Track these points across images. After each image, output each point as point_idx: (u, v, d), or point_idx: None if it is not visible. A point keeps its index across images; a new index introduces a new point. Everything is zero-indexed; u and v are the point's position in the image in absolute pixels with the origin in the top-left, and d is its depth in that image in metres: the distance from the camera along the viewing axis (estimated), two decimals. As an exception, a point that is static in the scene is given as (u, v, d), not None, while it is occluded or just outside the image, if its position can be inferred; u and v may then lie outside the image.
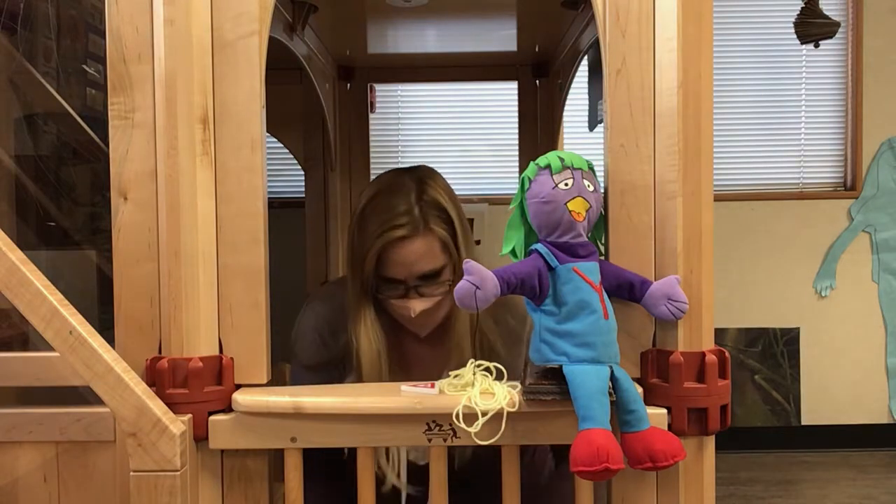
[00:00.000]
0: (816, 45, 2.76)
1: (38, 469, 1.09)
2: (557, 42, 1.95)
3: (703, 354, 1.04)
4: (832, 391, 3.52)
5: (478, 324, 1.35)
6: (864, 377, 3.52)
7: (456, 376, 1.08)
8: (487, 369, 1.09)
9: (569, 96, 2.04)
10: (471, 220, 2.91)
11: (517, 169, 2.32)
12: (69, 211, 1.87)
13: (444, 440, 1.04)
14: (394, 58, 2.20)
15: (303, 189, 2.23)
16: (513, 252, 1.07)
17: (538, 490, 1.35)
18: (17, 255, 0.97)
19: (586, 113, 2.35)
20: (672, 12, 1.05)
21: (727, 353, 1.07)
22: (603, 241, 1.11)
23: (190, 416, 1.02)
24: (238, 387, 1.07)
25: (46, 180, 1.81)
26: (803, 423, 3.52)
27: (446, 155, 3.46)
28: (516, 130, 2.28)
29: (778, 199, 3.51)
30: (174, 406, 1.01)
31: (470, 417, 1.01)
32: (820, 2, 2.73)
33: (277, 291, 1.17)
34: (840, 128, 3.55)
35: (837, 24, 2.72)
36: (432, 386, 1.06)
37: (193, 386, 1.03)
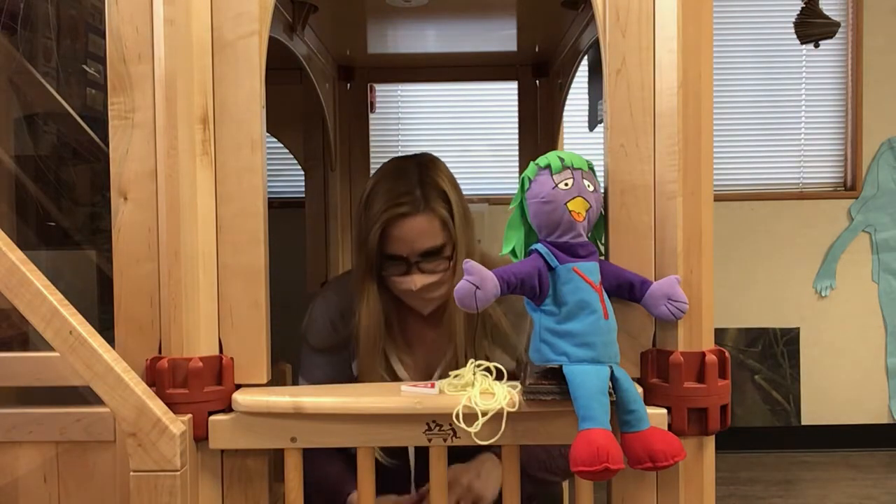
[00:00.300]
0: (816, 45, 2.76)
1: (38, 469, 1.09)
2: (557, 42, 1.95)
3: (703, 354, 1.04)
4: (832, 391, 3.52)
5: None
6: (864, 377, 3.52)
7: (456, 376, 1.08)
8: (487, 369, 1.09)
9: (569, 96, 2.04)
10: (471, 220, 2.93)
11: (517, 169, 2.32)
12: (69, 211, 1.87)
13: (444, 440, 1.04)
14: (394, 58, 2.20)
15: (303, 189, 2.23)
16: (513, 252, 1.07)
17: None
18: (17, 255, 0.97)
19: (586, 113, 2.35)
20: (672, 12, 1.05)
21: (727, 353, 1.07)
22: (603, 241, 1.11)
23: (190, 416, 1.02)
24: (238, 387, 1.07)
25: (46, 180, 1.81)
26: (803, 423, 3.52)
27: (446, 155, 3.41)
28: (516, 130, 2.28)
29: (778, 199, 3.51)
30: (174, 406, 1.01)
31: (470, 417, 1.01)
32: (820, 2, 2.73)
33: (277, 291, 1.18)
34: (840, 128, 3.55)
35: (837, 24, 2.72)
36: (432, 386, 1.06)
37: (193, 386, 1.03)
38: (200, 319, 1.05)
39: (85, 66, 1.93)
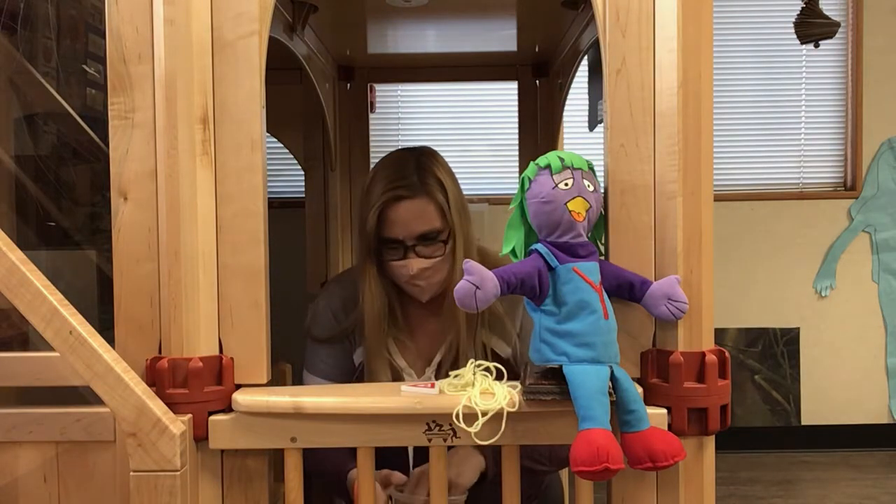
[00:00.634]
0: (816, 45, 2.76)
1: (38, 469, 1.09)
2: (557, 42, 1.95)
3: (703, 354, 1.04)
4: (832, 391, 3.52)
5: None
6: (864, 377, 3.52)
7: (456, 376, 1.08)
8: (487, 369, 1.09)
9: (569, 96, 2.04)
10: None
11: (517, 169, 2.32)
12: (69, 211, 1.86)
13: (444, 440, 1.04)
14: (394, 58, 2.20)
15: (303, 189, 2.23)
16: (513, 252, 1.07)
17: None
18: (17, 255, 0.97)
19: (586, 113, 2.35)
20: (672, 12, 1.05)
21: (727, 353, 1.07)
22: (603, 241, 1.11)
23: (190, 416, 1.02)
24: (238, 387, 1.07)
25: (46, 180, 1.81)
26: (803, 423, 3.52)
27: (446, 155, 3.42)
28: (516, 130, 2.28)
29: (778, 199, 3.51)
30: (174, 406, 1.01)
31: (470, 417, 1.01)
32: (820, 2, 2.73)
33: (277, 291, 1.18)
34: (840, 128, 3.55)
35: (837, 24, 2.72)
36: (432, 386, 1.06)
37: (193, 386, 1.03)
38: (200, 319, 1.05)
39: (85, 66, 1.93)
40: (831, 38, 2.74)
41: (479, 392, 1.03)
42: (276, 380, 1.22)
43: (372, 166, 2.34)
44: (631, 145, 1.07)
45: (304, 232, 2.23)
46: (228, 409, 1.06)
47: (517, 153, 2.29)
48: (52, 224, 1.82)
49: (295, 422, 1.05)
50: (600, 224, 1.10)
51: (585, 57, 1.81)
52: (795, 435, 3.51)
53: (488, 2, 1.65)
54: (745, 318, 3.51)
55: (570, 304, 1.00)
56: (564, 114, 2.13)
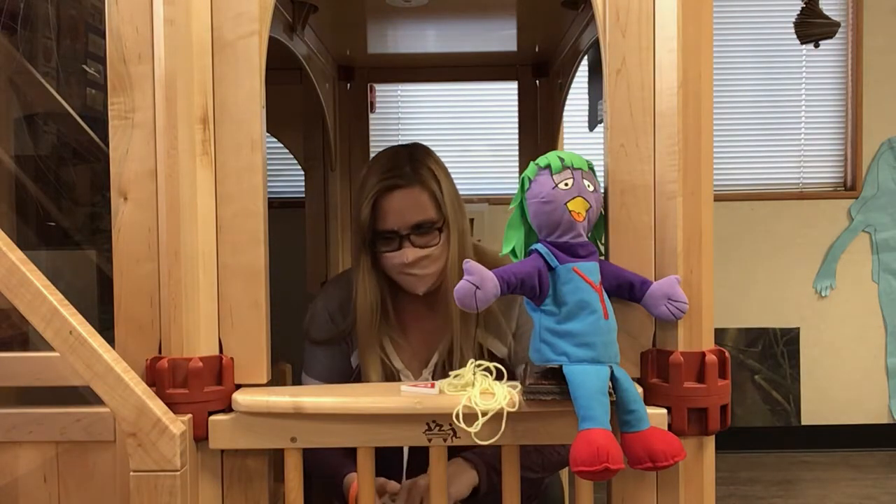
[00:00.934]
0: (816, 45, 2.76)
1: (38, 469, 1.09)
2: (557, 42, 1.95)
3: (703, 354, 1.04)
4: (832, 391, 3.52)
5: None
6: (864, 377, 3.52)
7: (456, 376, 1.08)
8: (487, 369, 1.09)
9: (569, 96, 2.04)
10: (471, 220, 2.92)
11: (517, 169, 2.32)
12: (69, 211, 1.86)
13: (444, 440, 1.04)
14: (394, 58, 2.20)
15: (303, 189, 2.23)
16: (513, 252, 1.07)
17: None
18: (17, 255, 0.97)
19: (586, 113, 2.35)
20: (672, 12, 1.05)
21: (727, 353, 1.07)
22: (603, 241, 1.11)
23: (190, 416, 1.02)
24: (238, 387, 1.07)
25: (46, 180, 1.81)
26: (803, 423, 3.52)
27: (446, 155, 3.41)
28: (516, 130, 2.28)
29: (778, 199, 3.51)
30: (174, 406, 1.01)
31: (470, 417, 1.01)
32: (820, 2, 2.73)
33: (277, 291, 1.18)
34: (840, 128, 3.55)
35: (837, 24, 2.72)
36: (432, 386, 1.06)
37: (193, 386, 1.03)
38: (200, 319, 1.05)
39: (85, 66, 1.93)
40: (831, 38, 2.74)
41: (479, 392, 1.03)
42: (276, 380, 1.22)
43: (371, 166, 2.35)
44: (631, 145, 1.07)
45: (304, 232, 2.23)
46: (228, 409, 1.06)
47: (517, 153, 2.29)
48: (52, 224, 1.82)
49: (295, 422, 1.05)
50: (600, 224, 1.10)
51: (585, 57, 1.81)
52: (795, 435, 3.51)
53: (488, 2, 1.65)
54: (745, 318, 3.51)
55: (570, 304, 1.00)
56: (564, 114, 2.13)
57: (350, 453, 1.30)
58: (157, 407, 0.98)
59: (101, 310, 1.49)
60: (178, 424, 0.99)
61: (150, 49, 1.05)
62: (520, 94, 2.26)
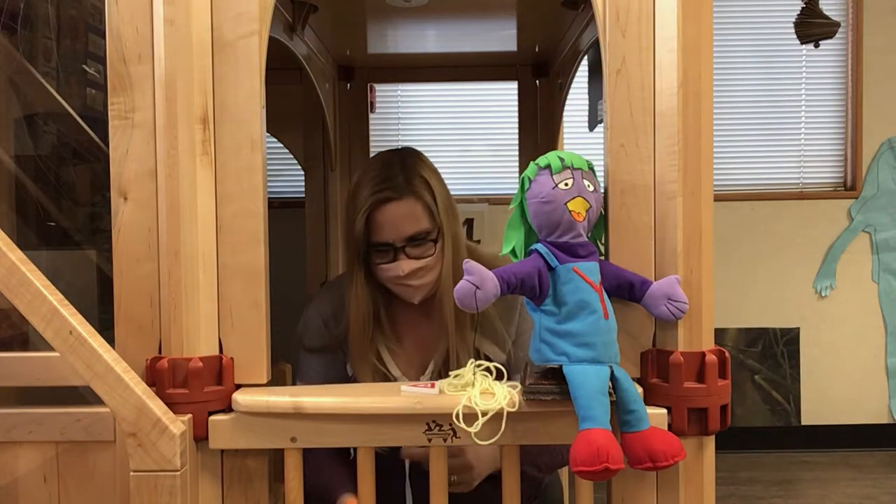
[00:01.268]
0: (816, 45, 2.76)
1: (38, 469, 1.09)
2: (557, 42, 1.95)
3: (703, 354, 1.04)
4: (832, 391, 3.52)
5: None
6: (864, 377, 3.52)
7: (456, 376, 1.08)
8: (487, 369, 1.09)
9: (569, 96, 2.04)
10: (471, 220, 2.93)
11: (517, 169, 2.32)
12: (69, 211, 1.86)
13: (444, 440, 1.04)
14: (394, 58, 2.20)
15: (303, 189, 2.23)
16: (513, 252, 1.07)
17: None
18: (17, 255, 0.97)
19: (586, 113, 2.35)
20: (672, 12, 1.05)
21: (727, 353, 1.07)
22: (603, 241, 1.11)
23: (190, 416, 1.02)
24: (238, 387, 1.07)
25: (46, 180, 1.81)
26: (803, 423, 3.52)
27: (446, 155, 3.46)
28: (516, 130, 2.28)
29: (778, 199, 3.51)
30: (174, 406, 1.01)
31: (470, 417, 1.01)
32: (820, 2, 2.73)
33: (277, 291, 1.18)
34: (840, 128, 3.55)
35: (837, 24, 2.72)
36: (432, 386, 1.06)
37: (193, 386, 1.03)
38: (200, 319, 1.05)
39: (85, 66, 1.93)
40: (831, 38, 2.74)
41: (479, 392, 1.03)
42: (276, 380, 1.22)
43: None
44: (631, 145, 1.07)
45: (304, 232, 2.23)
46: (228, 409, 1.06)
47: (517, 153, 2.29)
48: (52, 224, 1.82)
49: (295, 422, 1.05)
50: (600, 224, 1.10)
51: (585, 57, 1.81)
52: (795, 435, 3.51)
53: (488, 2, 1.65)
54: (745, 318, 3.51)
55: (570, 304, 1.00)
56: (564, 114, 2.13)
57: (345, 471, 1.30)
58: (157, 407, 0.98)
59: (101, 310, 1.49)
60: (178, 424, 0.99)
61: (150, 49, 1.05)
62: (520, 94, 2.26)
